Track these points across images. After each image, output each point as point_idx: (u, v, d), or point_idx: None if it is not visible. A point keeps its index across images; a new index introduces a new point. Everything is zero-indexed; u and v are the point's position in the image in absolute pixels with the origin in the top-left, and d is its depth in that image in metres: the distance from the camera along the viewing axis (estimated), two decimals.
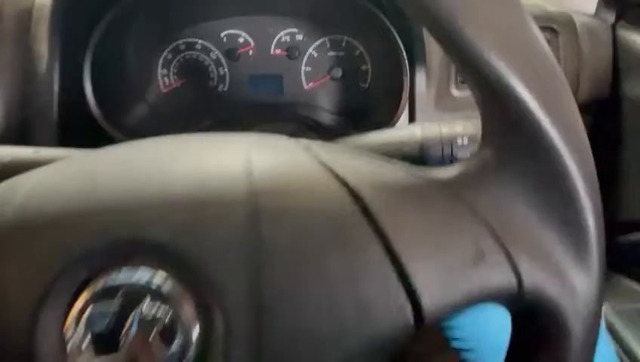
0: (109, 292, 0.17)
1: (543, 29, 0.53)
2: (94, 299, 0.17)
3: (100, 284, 0.17)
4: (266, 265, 0.17)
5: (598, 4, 0.59)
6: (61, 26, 0.42)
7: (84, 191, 0.18)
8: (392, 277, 0.17)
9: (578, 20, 0.55)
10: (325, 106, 0.58)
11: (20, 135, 0.41)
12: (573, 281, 0.19)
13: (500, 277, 0.18)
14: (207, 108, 0.57)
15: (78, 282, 0.17)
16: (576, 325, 0.19)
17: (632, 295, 0.53)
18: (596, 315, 0.20)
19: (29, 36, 0.42)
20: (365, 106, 0.56)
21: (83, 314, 0.17)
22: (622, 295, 0.53)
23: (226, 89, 0.57)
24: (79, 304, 0.17)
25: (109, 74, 0.48)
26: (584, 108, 0.55)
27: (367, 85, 0.57)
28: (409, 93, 0.50)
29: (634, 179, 0.56)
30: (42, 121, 0.42)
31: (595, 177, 0.19)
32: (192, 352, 0.17)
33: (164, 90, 0.56)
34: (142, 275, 0.17)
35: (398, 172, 0.20)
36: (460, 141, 0.31)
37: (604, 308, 0.53)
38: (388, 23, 0.51)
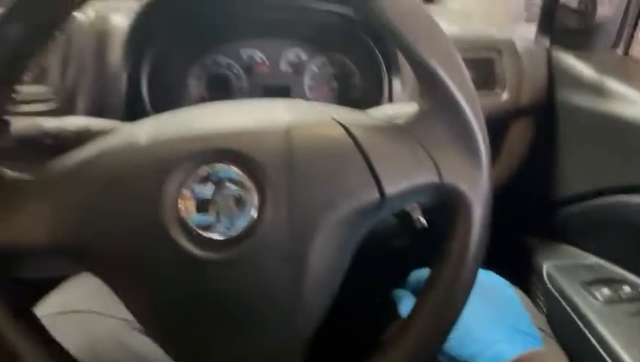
0: (206, 179, 0.27)
1: (490, 49, 0.65)
2: (197, 182, 0.27)
3: (200, 173, 0.27)
4: (296, 161, 0.27)
5: (536, 31, 0.71)
6: (130, 46, 0.54)
7: (190, 125, 0.29)
8: (367, 171, 0.28)
9: (519, 44, 0.67)
10: None
11: None
12: (472, 177, 0.30)
13: (429, 176, 0.30)
14: None
15: (186, 172, 0.27)
16: (476, 203, 0.30)
17: (568, 255, 0.63)
18: (488, 197, 0.30)
19: (106, 51, 0.53)
20: (355, 107, 0.67)
21: (190, 190, 0.27)
22: (561, 255, 0.64)
23: (244, 98, 0.67)
24: (187, 185, 0.27)
25: (158, 82, 0.59)
26: (527, 112, 0.68)
27: (357, 93, 0.68)
28: (388, 96, 0.61)
29: (569, 163, 0.66)
30: (111, 114, 0.52)
31: (482, 116, 0.30)
32: (254, 212, 0.27)
33: (194, 98, 0.66)
34: (225, 169, 0.27)
35: (374, 121, 0.32)
36: None
37: (546, 266, 0.63)
38: (372, 45, 0.64)
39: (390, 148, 0.30)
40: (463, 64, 0.30)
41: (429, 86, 0.30)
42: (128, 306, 0.28)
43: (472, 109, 0.30)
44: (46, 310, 0.45)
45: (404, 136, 0.31)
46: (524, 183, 0.69)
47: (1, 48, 0.26)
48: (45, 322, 0.29)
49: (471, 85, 0.30)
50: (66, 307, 0.45)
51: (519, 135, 0.69)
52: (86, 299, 0.47)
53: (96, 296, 0.46)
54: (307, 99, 0.69)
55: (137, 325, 0.44)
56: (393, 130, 0.31)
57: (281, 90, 0.68)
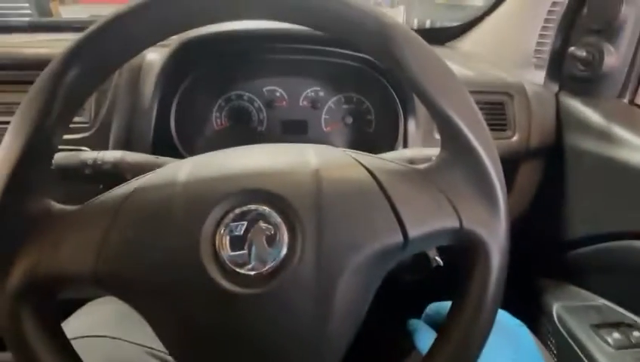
0: (240, 217, 0.29)
1: (502, 93, 0.67)
2: (232, 220, 0.28)
3: (235, 213, 0.29)
4: (324, 202, 0.29)
5: (545, 77, 0.74)
6: (162, 81, 0.57)
7: (227, 166, 0.31)
8: (392, 216, 0.29)
9: (529, 88, 0.70)
10: (339, 145, 0.70)
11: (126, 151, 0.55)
12: (491, 225, 0.31)
13: (450, 221, 0.31)
14: (248, 143, 0.69)
15: (223, 212, 0.29)
16: (494, 250, 0.31)
17: (577, 296, 0.64)
18: (505, 245, 0.31)
19: (139, 83, 0.56)
20: (370, 145, 0.68)
21: (226, 228, 0.28)
22: (570, 296, 0.64)
23: (263, 129, 0.70)
24: (224, 223, 0.28)
25: (185, 114, 0.62)
26: (535, 153, 0.70)
27: (371, 130, 0.71)
28: (403, 135, 0.64)
29: (577, 206, 0.67)
30: (141, 143, 0.55)
31: (500, 166, 0.31)
32: (284, 250, 0.28)
33: (217, 128, 0.69)
34: (258, 208, 0.29)
35: (397, 166, 0.33)
36: (433, 158, 0.45)
37: (556, 307, 0.64)
38: (388, 86, 0.67)
39: (413, 193, 0.31)
40: (481, 116, 0.32)
41: (450, 136, 0.32)
42: (160, 336, 0.30)
43: (491, 159, 0.31)
44: (68, 334, 0.46)
45: (425, 181, 0.32)
46: (533, 224, 0.70)
47: (60, 89, 0.29)
48: None
49: (489, 136, 0.32)
50: (87, 331, 0.46)
51: (528, 176, 0.70)
52: (106, 324, 0.47)
53: (116, 322, 0.47)
54: (323, 132, 0.71)
55: (157, 352, 0.45)
56: (415, 176, 0.33)
57: (298, 124, 0.71)
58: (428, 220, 0.30)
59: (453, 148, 0.32)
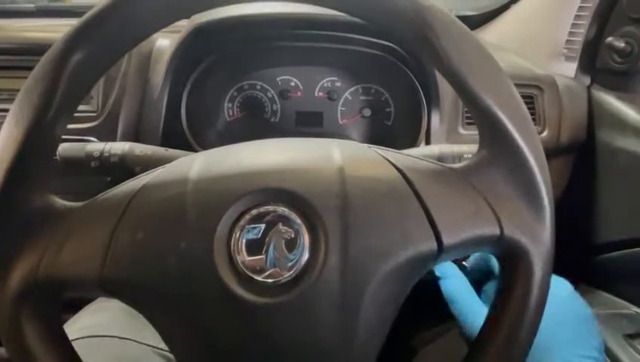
0: (257, 219, 0.26)
1: (531, 86, 0.64)
2: (249, 222, 0.26)
3: (252, 214, 0.26)
4: (350, 203, 0.26)
5: (577, 70, 0.70)
6: (173, 68, 0.55)
7: (243, 163, 0.28)
8: (425, 221, 0.27)
9: (560, 81, 0.66)
10: (356, 138, 0.68)
11: (134, 141, 0.53)
12: (535, 231, 0.28)
13: (489, 227, 0.28)
14: (261, 135, 0.68)
15: (239, 212, 0.26)
16: (538, 261, 0.28)
17: (608, 303, 0.61)
18: (550, 255, 0.29)
19: (149, 71, 0.55)
20: (388, 139, 0.66)
21: (242, 231, 0.26)
22: (600, 303, 0.61)
23: (277, 121, 0.68)
24: (240, 225, 0.26)
25: (196, 103, 0.60)
26: (566, 150, 0.67)
27: (390, 123, 0.68)
28: (426, 129, 0.60)
29: (608, 207, 0.64)
30: (151, 133, 0.53)
31: (546, 166, 0.29)
32: (306, 255, 0.26)
33: (229, 119, 0.67)
34: (277, 209, 0.26)
35: (429, 164, 0.30)
36: (465, 156, 0.42)
37: None
38: (410, 75, 0.63)
39: (448, 195, 0.28)
40: (528, 112, 0.29)
41: (492, 132, 0.29)
42: (169, 345, 0.27)
43: (537, 160, 0.29)
44: (70, 335, 0.45)
45: (462, 182, 0.29)
46: (560, 225, 0.67)
47: (63, 75, 0.26)
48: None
49: (536, 134, 0.29)
50: (96, 331, 0.45)
51: (557, 174, 0.67)
52: (115, 322, 0.46)
53: (125, 320, 0.46)
54: (339, 125, 0.69)
55: (167, 353, 0.44)
56: (450, 176, 0.30)
57: (313, 116, 0.69)
58: (465, 226, 0.28)
59: (495, 146, 0.29)
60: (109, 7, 0.26)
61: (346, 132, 0.68)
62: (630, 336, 0.54)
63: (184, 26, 0.57)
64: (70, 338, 0.30)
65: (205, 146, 0.60)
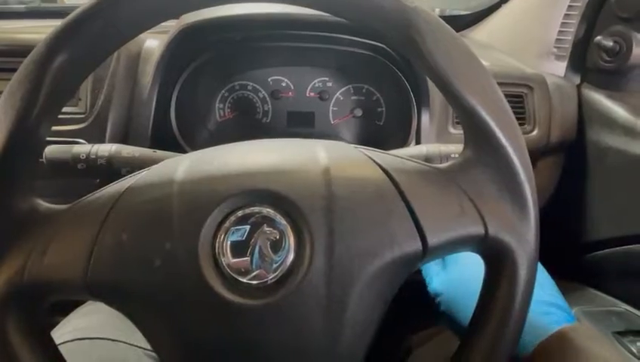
0: (242, 220, 0.26)
1: (521, 85, 0.64)
2: (234, 224, 0.26)
3: (237, 215, 0.26)
4: (335, 205, 0.26)
5: (566, 69, 0.70)
6: (162, 69, 0.54)
7: (228, 164, 0.28)
8: (410, 222, 0.27)
9: (550, 80, 0.66)
10: (347, 139, 0.68)
11: (123, 143, 0.52)
12: (519, 231, 0.28)
13: (474, 227, 0.28)
14: (252, 136, 0.68)
15: (224, 214, 0.26)
16: (522, 259, 0.28)
17: (596, 300, 0.61)
18: (535, 254, 0.29)
19: (138, 72, 0.54)
20: (380, 139, 0.66)
21: (227, 232, 0.26)
22: (589, 301, 0.61)
23: (268, 121, 0.68)
24: (225, 226, 0.26)
25: (185, 104, 0.60)
26: (555, 149, 0.67)
27: (381, 123, 0.68)
28: (416, 129, 0.60)
29: (598, 205, 0.64)
30: (140, 135, 0.53)
31: (530, 166, 0.29)
32: (291, 257, 0.26)
33: (220, 120, 0.67)
34: (262, 211, 0.26)
35: (415, 165, 0.30)
36: (452, 156, 0.42)
37: (575, 311, 0.61)
38: (400, 76, 0.63)
39: (433, 196, 0.28)
40: (511, 112, 0.29)
41: (476, 132, 0.29)
42: (155, 348, 0.27)
43: (521, 160, 0.29)
44: (61, 337, 0.44)
45: (447, 182, 0.29)
46: (551, 223, 0.67)
47: (46, 76, 0.26)
48: (62, 350, 0.29)
49: (520, 134, 0.29)
50: (86, 334, 0.45)
51: (547, 173, 0.67)
52: (105, 325, 0.46)
53: (111, 324, 0.46)
54: (331, 125, 0.69)
55: (153, 354, 0.43)
56: (435, 176, 0.30)
57: (305, 116, 0.68)
58: (450, 226, 0.28)
59: (479, 146, 0.29)
60: (92, 8, 0.26)
61: (337, 132, 0.68)
62: (619, 334, 0.55)
63: (173, 25, 0.56)
64: (61, 340, 0.30)
65: (196, 147, 0.60)
